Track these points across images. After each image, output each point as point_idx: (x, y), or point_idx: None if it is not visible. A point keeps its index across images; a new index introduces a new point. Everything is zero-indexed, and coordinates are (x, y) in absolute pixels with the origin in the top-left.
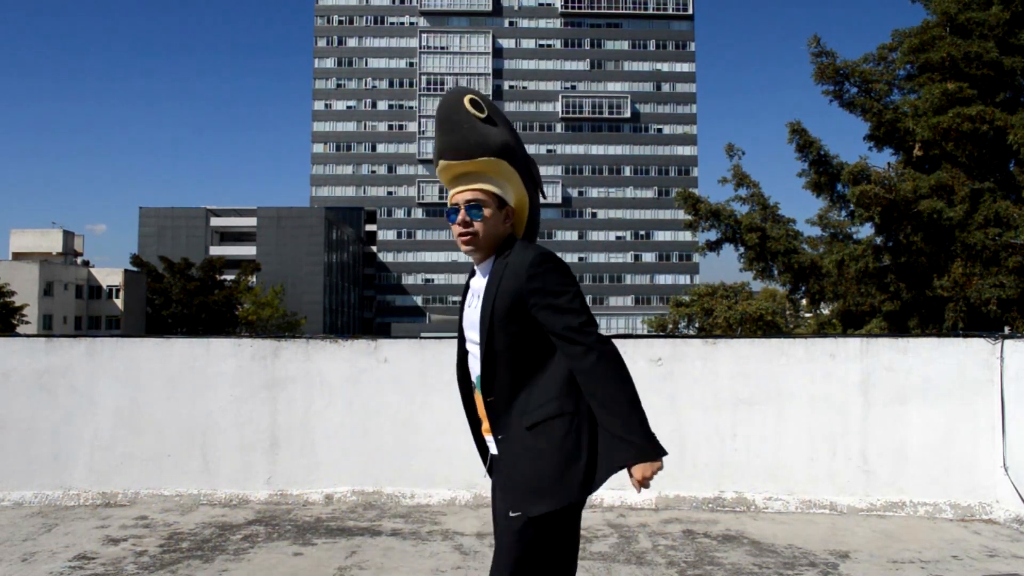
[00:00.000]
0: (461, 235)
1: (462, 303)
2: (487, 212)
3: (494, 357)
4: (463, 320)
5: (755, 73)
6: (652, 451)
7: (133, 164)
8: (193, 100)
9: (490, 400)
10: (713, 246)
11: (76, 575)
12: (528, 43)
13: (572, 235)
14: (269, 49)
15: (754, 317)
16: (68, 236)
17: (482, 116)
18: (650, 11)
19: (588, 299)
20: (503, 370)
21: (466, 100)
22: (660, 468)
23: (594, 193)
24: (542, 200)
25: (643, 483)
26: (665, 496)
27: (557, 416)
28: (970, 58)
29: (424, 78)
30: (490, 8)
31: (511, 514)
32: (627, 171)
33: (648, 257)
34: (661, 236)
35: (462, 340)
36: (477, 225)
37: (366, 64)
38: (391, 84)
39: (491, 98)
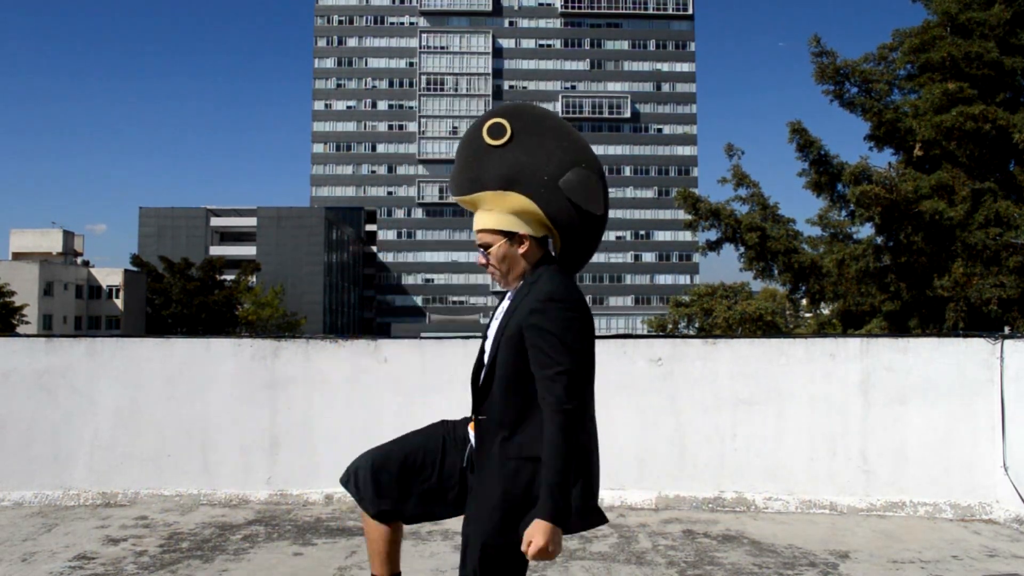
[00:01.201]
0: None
1: (492, 315)
2: (493, 250)
3: (492, 379)
4: (486, 332)
5: (755, 73)
6: (559, 515)
7: (133, 164)
8: (193, 100)
9: (481, 419)
10: (713, 246)
11: (76, 575)
12: (528, 43)
13: None
14: (269, 49)
15: (754, 317)
16: (68, 236)
17: (499, 143)
18: (650, 11)
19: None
20: (499, 394)
21: (485, 128)
22: (556, 543)
23: None
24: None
25: (535, 549)
26: (665, 496)
27: (533, 460)
28: (971, 58)
29: (424, 78)
30: (490, 8)
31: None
32: (627, 171)
33: (648, 257)
34: (661, 236)
35: (482, 352)
36: (490, 265)
37: (366, 64)
38: (391, 84)
39: (505, 105)
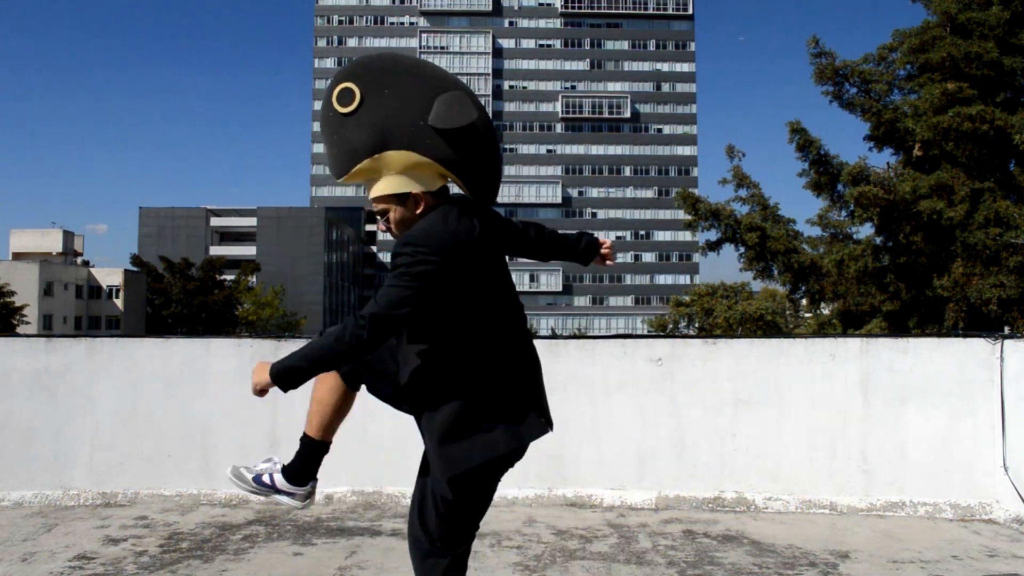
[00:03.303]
0: None
1: None
2: (391, 216)
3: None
4: None
5: (755, 73)
6: (273, 365)
7: (133, 164)
8: (193, 100)
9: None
10: (713, 246)
11: (76, 575)
12: (528, 43)
13: None
14: (269, 49)
15: (754, 317)
16: (68, 236)
17: (351, 108)
18: (650, 11)
19: (587, 299)
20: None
21: (335, 98)
22: (258, 380)
23: (594, 193)
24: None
25: (254, 384)
26: (665, 496)
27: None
28: (970, 58)
29: None
30: (490, 8)
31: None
32: (627, 171)
33: (648, 257)
34: (661, 236)
35: None
36: (391, 232)
37: None
38: None
39: (475, 95)
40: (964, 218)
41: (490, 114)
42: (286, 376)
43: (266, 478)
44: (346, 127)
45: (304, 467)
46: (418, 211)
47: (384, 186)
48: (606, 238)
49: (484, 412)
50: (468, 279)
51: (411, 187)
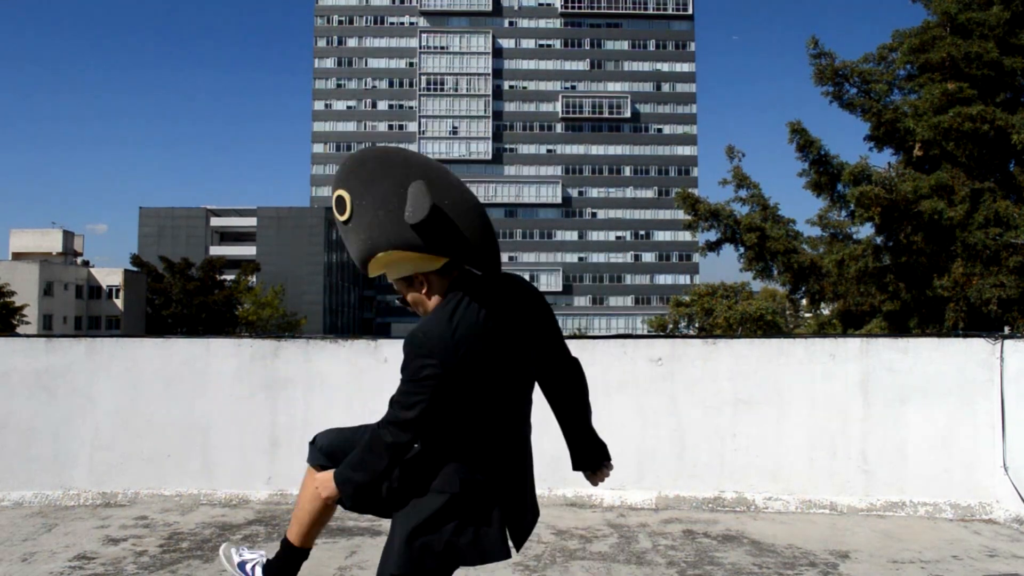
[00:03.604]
0: None
1: None
2: (406, 296)
3: None
4: None
5: (755, 73)
6: (335, 476)
7: (133, 164)
8: (193, 100)
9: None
10: (713, 246)
11: (76, 575)
12: (528, 43)
13: (572, 235)
14: (269, 49)
15: (754, 317)
16: (68, 236)
17: (346, 217)
18: (650, 11)
19: (588, 299)
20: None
21: (334, 206)
22: (329, 492)
23: (594, 193)
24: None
25: (325, 497)
26: (665, 496)
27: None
28: (970, 58)
29: (424, 78)
30: (490, 8)
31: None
32: (627, 171)
33: (648, 257)
34: (661, 236)
35: None
36: (410, 307)
37: (366, 64)
38: (391, 84)
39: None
40: (964, 218)
41: (490, 114)
42: (346, 488)
43: (249, 568)
44: (350, 232)
45: (282, 572)
46: (424, 291)
47: (394, 270)
48: (609, 468)
49: (453, 516)
50: (472, 375)
51: (413, 269)
